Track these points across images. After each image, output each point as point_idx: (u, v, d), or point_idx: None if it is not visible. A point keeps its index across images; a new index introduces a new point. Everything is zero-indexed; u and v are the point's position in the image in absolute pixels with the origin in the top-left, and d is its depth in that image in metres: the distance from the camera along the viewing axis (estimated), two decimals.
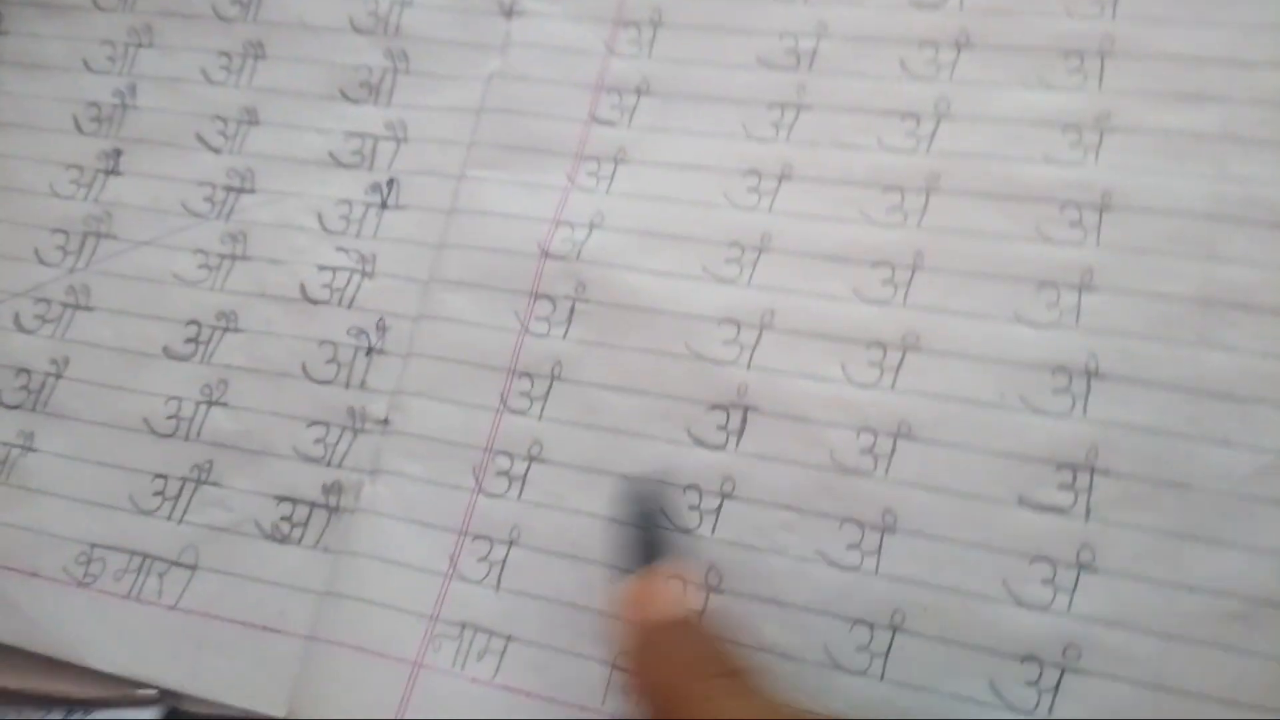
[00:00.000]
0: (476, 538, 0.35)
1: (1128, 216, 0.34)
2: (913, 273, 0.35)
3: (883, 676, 0.31)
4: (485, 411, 0.36)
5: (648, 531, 0.31)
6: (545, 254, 0.37)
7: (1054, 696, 0.30)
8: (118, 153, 0.42)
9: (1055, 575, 0.31)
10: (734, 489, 0.33)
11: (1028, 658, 0.30)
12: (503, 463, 0.35)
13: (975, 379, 0.33)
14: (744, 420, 0.34)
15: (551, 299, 0.37)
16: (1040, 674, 0.30)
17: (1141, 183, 0.34)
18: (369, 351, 0.38)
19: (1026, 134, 0.36)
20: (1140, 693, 0.29)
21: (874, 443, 0.33)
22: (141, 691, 0.35)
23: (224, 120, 0.42)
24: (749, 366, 0.35)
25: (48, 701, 0.35)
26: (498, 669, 0.33)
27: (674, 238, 0.37)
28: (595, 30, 0.41)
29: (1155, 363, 0.32)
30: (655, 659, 0.27)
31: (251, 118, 0.42)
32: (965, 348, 0.33)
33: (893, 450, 0.33)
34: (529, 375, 0.36)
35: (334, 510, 0.36)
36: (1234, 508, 0.30)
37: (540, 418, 0.35)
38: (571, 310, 0.37)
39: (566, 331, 0.36)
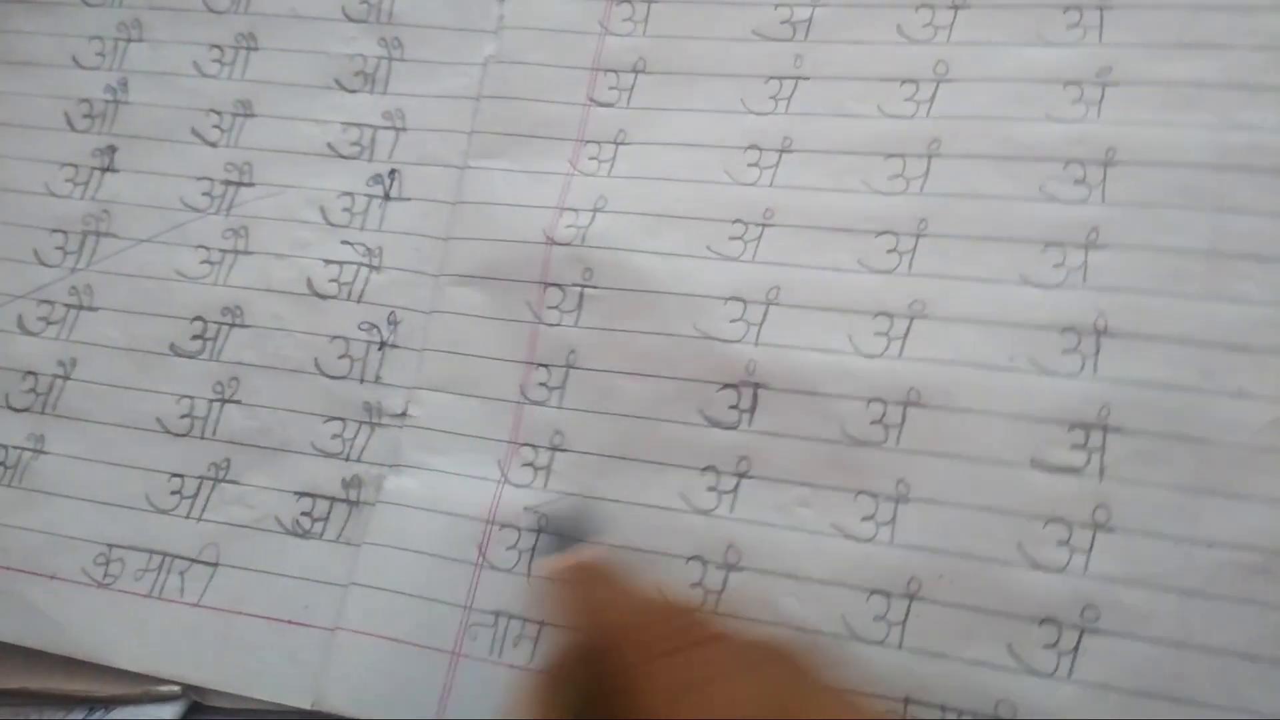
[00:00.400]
0: (504, 527, 0.35)
1: (1132, 171, 0.34)
2: (917, 240, 0.35)
3: (901, 645, 0.31)
4: (505, 404, 0.36)
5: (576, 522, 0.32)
6: (551, 241, 0.37)
7: (1074, 658, 0.30)
8: (112, 149, 0.42)
9: (1071, 536, 0.31)
10: (749, 468, 0.33)
11: (1046, 620, 0.30)
12: (527, 454, 0.35)
13: (983, 343, 0.33)
14: (755, 398, 0.34)
15: (561, 287, 0.37)
16: (1059, 636, 0.30)
17: (1145, 136, 0.34)
18: (381, 346, 0.38)
19: (1027, 92, 0.35)
20: (1161, 650, 0.29)
21: (884, 413, 0.33)
22: (163, 688, 0.35)
23: (219, 113, 0.42)
24: (757, 343, 0.35)
25: (70, 701, 0.35)
26: (533, 654, 0.33)
27: (677, 217, 0.37)
28: (589, 9, 0.40)
29: (1165, 318, 0.32)
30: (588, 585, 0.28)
31: (247, 110, 0.42)
32: (972, 312, 0.33)
33: (903, 419, 0.33)
34: (545, 365, 0.36)
35: (354, 504, 0.36)
36: (1250, 460, 0.30)
37: (560, 407, 0.36)
38: (581, 297, 0.36)
39: (578, 319, 0.36)
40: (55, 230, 0.41)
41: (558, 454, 0.35)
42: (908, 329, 0.34)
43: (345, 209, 0.40)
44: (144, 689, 0.35)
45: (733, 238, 0.36)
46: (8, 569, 0.37)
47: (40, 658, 0.36)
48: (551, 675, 0.26)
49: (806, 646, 0.25)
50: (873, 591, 0.32)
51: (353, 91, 0.41)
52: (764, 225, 0.36)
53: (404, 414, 0.37)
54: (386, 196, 0.39)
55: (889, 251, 0.35)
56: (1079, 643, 0.30)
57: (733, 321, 0.35)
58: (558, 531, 0.33)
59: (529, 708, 0.26)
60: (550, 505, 0.34)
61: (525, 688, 0.26)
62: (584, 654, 0.26)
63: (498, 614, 0.34)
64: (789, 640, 0.26)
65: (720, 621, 0.25)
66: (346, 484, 0.36)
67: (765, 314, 0.35)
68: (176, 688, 0.35)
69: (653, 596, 0.27)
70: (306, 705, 0.34)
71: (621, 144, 0.38)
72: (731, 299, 0.35)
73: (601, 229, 0.37)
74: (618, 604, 0.26)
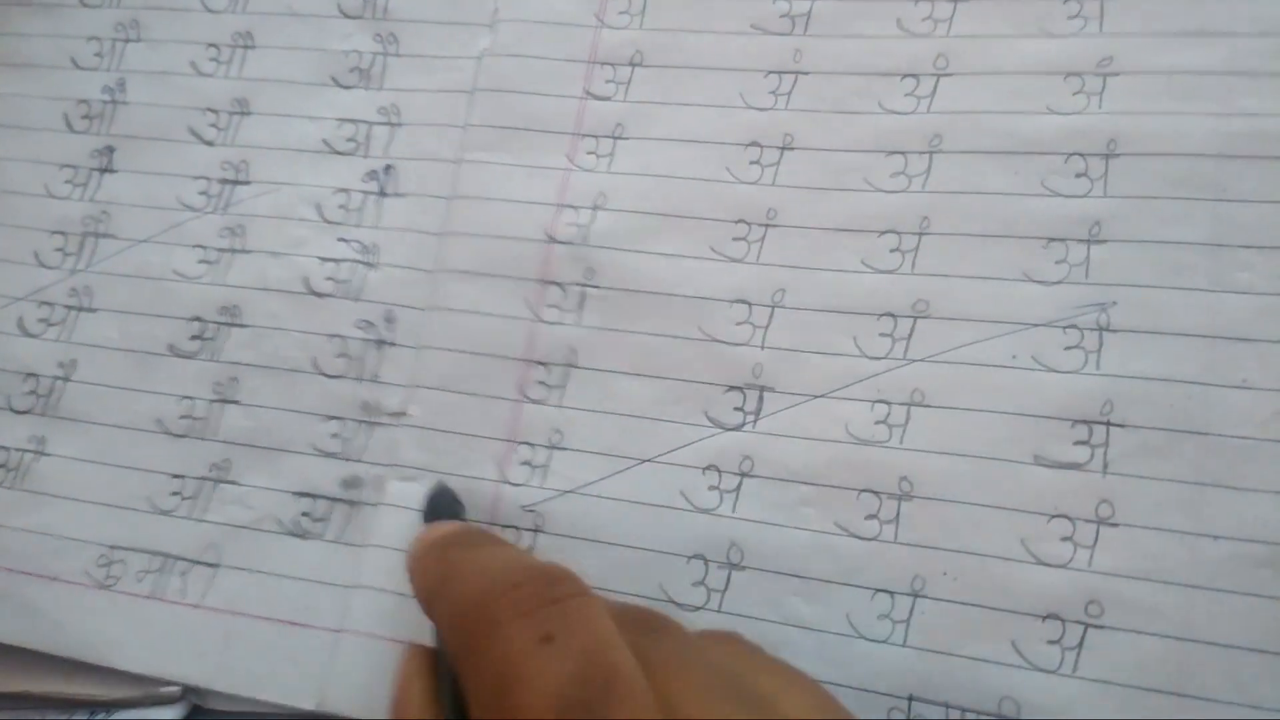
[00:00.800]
0: (504, 528, 0.34)
1: (1134, 162, 0.33)
2: (919, 239, 0.34)
3: (905, 643, 0.31)
4: (504, 402, 0.36)
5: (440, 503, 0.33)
6: (552, 240, 0.37)
7: (1078, 654, 0.30)
8: (111, 150, 0.42)
9: (1074, 532, 0.31)
10: (752, 467, 0.33)
11: (1050, 616, 0.30)
12: (525, 452, 0.35)
13: (986, 341, 0.33)
14: (760, 400, 0.34)
15: (561, 285, 0.37)
16: (1063, 632, 0.30)
17: (1147, 126, 0.34)
18: (379, 344, 0.37)
19: (1028, 85, 0.35)
20: (1166, 644, 0.29)
21: (888, 413, 0.33)
22: (164, 689, 0.35)
23: (216, 112, 0.42)
24: (763, 347, 0.34)
25: (71, 704, 0.35)
26: None
27: (679, 217, 0.36)
28: (584, 1, 0.40)
29: (1168, 311, 0.32)
30: (434, 553, 0.29)
31: (243, 108, 0.42)
32: (975, 311, 0.33)
33: (907, 419, 0.33)
34: (545, 364, 0.36)
35: (353, 505, 0.36)
36: (1255, 452, 0.30)
37: (560, 406, 0.35)
38: (582, 296, 0.36)
39: (579, 318, 0.36)
40: (55, 232, 0.41)
41: (556, 452, 0.35)
42: (911, 329, 0.34)
43: (341, 205, 0.39)
44: (146, 691, 0.35)
45: (736, 239, 0.36)
46: (9, 570, 0.37)
47: (42, 660, 0.36)
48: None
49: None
50: (877, 590, 0.31)
51: (348, 88, 0.41)
52: (767, 226, 0.36)
53: (402, 413, 0.36)
54: (382, 192, 0.39)
55: (892, 251, 0.34)
56: (1083, 638, 0.30)
57: (739, 324, 0.35)
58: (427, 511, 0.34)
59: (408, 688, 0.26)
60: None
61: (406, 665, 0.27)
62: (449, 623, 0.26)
63: None
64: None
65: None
66: (345, 484, 0.36)
67: (771, 317, 0.35)
68: (177, 689, 0.35)
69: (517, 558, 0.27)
70: (310, 707, 0.34)
71: (619, 138, 0.38)
72: (737, 301, 0.35)
73: (603, 228, 0.37)
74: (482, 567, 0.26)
